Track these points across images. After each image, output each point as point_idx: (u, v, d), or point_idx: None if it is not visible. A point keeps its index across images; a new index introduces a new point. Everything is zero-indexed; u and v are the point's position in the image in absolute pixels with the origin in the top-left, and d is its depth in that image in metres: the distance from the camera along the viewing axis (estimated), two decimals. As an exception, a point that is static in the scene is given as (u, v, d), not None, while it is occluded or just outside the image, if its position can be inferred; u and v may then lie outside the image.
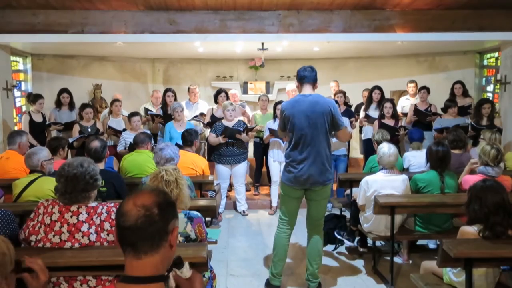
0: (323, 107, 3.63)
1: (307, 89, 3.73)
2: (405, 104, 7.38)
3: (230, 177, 6.23)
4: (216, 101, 6.86)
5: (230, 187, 6.63)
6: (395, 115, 6.44)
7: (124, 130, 6.28)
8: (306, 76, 3.72)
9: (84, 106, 6.54)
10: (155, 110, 7.04)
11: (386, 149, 4.16)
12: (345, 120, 6.28)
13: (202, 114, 6.84)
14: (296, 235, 4.22)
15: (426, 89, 6.97)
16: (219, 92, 6.83)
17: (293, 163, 3.70)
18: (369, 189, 4.14)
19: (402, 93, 8.39)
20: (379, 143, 4.88)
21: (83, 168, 2.55)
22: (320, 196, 3.80)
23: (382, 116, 6.41)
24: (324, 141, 3.68)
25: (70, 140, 5.92)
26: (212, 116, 6.62)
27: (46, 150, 4.02)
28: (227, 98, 6.78)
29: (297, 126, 3.63)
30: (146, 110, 7.00)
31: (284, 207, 3.90)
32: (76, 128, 6.33)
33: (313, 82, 3.76)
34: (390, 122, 6.32)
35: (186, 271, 1.61)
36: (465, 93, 7.06)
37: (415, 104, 6.92)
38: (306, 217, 3.93)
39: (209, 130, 6.32)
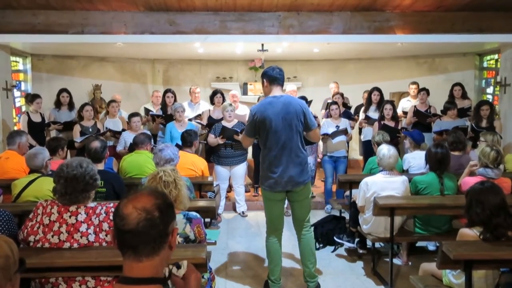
0: (296, 107, 3.63)
1: (277, 91, 3.70)
2: (406, 106, 7.39)
3: (229, 178, 6.22)
4: (212, 102, 6.85)
5: (230, 188, 6.62)
6: (395, 117, 6.44)
7: (124, 130, 6.28)
8: (278, 78, 3.69)
9: (83, 105, 6.53)
10: (155, 110, 7.04)
11: (385, 150, 4.16)
12: (345, 123, 6.32)
13: (199, 116, 6.81)
14: (293, 235, 4.21)
15: (425, 91, 6.98)
16: (215, 93, 6.83)
17: (271, 167, 3.66)
18: (368, 190, 4.14)
19: (402, 94, 8.40)
20: (379, 144, 4.87)
21: (82, 169, 2.54)
22: (302, 196, 3.78)
23: (382, 117, 6.41)
24: (300, 141, 3.67)
25: (78, 141, 5.96)
26: (210, 118, 6.62)
27: (46, 150, 4.02)
28: (223, 99, 6.77)
29: (273, 128, 3.59)
30: (147, 110, 6.99)
31: (269, 212, 3.86)
32: (77, 128, 6.28)
33: (283, 84, 3.76)
34: (390, 123, 6.33)
35: (182, 270, 1.61)
36: (464, 95, 7.07)
37: (415, 106, 6.93)
38: (292, 219, 3.91)
39: (206, 131, 6.32)
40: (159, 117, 6.59)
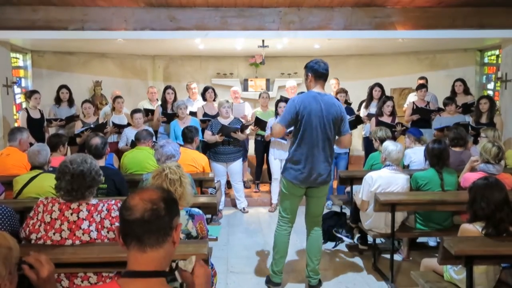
0: (337, 110, 3.64)
1: (321, 87, 3.69)
2: (413, 100, 7.37)
3: (226, 174, 6.21)
4: (204, 99, 6.84)
5: (229, 184, 6.61)
6: (393, 113, 6.42)
7: (129, 124, 6.29)
8: (324, 74, 3.66)
9: (83, 102, 6.62)
10: (154, 106, 7.02)
11: (393, 146, 4.17)
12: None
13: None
14: (295, 232, 4.22)
15: (425, 87, 6.99)
16: (206, 89, 6.81)
17: (303, 162, 3.65)
18: (373, 185, 4.12)
19: (403, 90, 8.40)
20: (382, 140, 4.86)
21: (88, 164, 2.54)
22: (321, 193, 3.82)
23: (380, 113, 6.39)
24: (332, 141, 3.71)
25: (77, 131, 6.03)
26: (205, 114, 6.59)
27: (47, 146, 4.02)
28: (215, 95, 6.75)
29: (313, 124, 3.58)
30: (147, 111, 6.86)
31: (285, 204, 3.88)
32: (79, 124, 6.39)
33: (326, 81, 3.74)
34: (386, 119, 6.30)
35: (190, 265, 1.62)
36: (466, 91, 7.06)
37: (413, 102, 6.93)
38: (305, 214, 3.94)
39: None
40: (173, 115, 6.53)
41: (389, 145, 4.22)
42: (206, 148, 6.16)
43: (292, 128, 3.78)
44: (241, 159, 6.16)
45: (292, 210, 3.86)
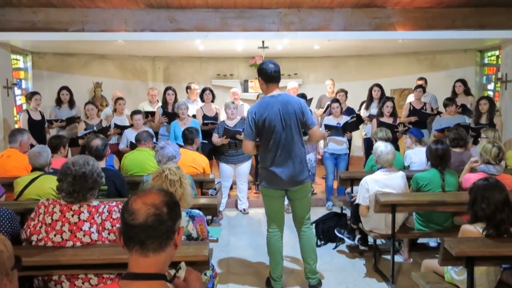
0: (295, 106, 3.60)
1: (274, 89, 3.66)
2: (410, 101, 7.38)
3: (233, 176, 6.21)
4: (202, 100, 6.85)
5: (231, 185, 6.61)
6: (394, 113, 6.43)
7: (131, 125, 6.29)
8: (273, 76, 3.62)
9: (85, 104, 6.63)
10: (155, 108, 7.02)
11: (383, 147, 4.14)
12: (347, 120, 6.31)
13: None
14: (293, 233, 4.22)
15: (421, 88, 6.99)
16: (203, 90, 6.80)
17: (272, 167, 3.65)
18: (370, 190, 4.11)
19: (403, 91, 8.40)
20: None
21: (90, 166, 2.54)
22: (302, 194, 3.79)
23: (381, 114, 6.39)
24: (299, 140, 3.67)
25: (80, 134, 6.02)
26: (204, 116, 6.59)
27: (48, 148, 4.03)
28: (213, 96, 6.76)
29: (273, 129, 3.57)
30: (147, 113, 6.88)
31: (268, 208, 3.87)
32: (82, 126, 6.38)
33: (279, 81, 3.70)
34: (388, 120, 6.30)
35: (182, 271, 1.62)
36: (467, 92, 7.06)
37: (410, 103, 6.93)
38: (292, 217, 3.91)
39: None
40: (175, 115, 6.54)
41: (378, 146, 4.20)
42: (212, 151, 6.16)
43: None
44: (250, 161, 6.16)
45: (276, 213, 3.84)
